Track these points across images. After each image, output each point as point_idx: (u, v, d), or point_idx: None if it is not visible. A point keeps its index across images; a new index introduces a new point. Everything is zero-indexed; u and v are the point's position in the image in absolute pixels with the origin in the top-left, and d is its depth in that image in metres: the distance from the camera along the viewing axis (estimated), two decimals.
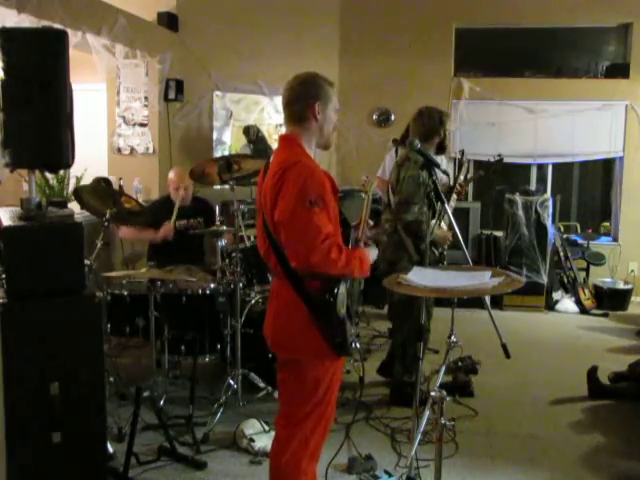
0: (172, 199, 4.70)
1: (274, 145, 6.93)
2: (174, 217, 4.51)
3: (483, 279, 2.47)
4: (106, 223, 3.85)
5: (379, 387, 4.25)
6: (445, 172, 3.47)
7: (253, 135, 6.76)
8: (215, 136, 6.82)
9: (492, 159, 4.80)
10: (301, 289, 2.26)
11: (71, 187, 5.72)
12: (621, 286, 6.68)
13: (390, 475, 3.12)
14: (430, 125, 3.85)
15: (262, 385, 3.99)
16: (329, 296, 2.24)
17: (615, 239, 7.09)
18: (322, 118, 2.37)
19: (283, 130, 2.56)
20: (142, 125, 6.44)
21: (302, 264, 2.18)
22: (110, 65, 5.98)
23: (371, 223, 2.78)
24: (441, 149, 3.99)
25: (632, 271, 6.98)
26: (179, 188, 4.65)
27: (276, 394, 3.86)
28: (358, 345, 2.51)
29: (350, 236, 2.51)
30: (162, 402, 3.83)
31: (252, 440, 3.37)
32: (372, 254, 2.43)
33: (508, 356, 2.49)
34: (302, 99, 2.36)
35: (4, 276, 2.38)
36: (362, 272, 2.33)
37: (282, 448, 2.38)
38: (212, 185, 4.71)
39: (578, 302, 6.54)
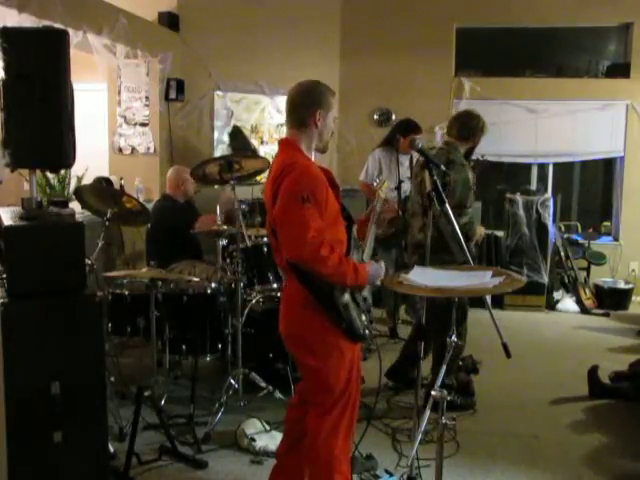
0: (175, 199, 4.84)
1: (270, 147, 6.95)
2: None
3: (484, 279, 2.47)
4: (107, 223, 3.86)
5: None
6: (446, 172, 3.47)
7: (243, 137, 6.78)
8: (216, 136, 6.82)
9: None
10: (305, 280, 2.37)
11: (72, 187, 5.73)
12: (622, 286, 6.68)
13: (391, 475, 3.12)
14: (471, 127, 3.90)
15: (263, 384, 3.98)
16: (325, 283, 2.35)
17: (616, 239, 7.09)
18: (322, 125, 2.47)
19: (284, 130, 2.60)
20: (143, 125, 6.44)
21: (293, 256, 2.30)
22: (111, 65, 5.99)
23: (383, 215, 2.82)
24: (467, 156, 4.00)
25: (633, 271, 6.98)
26: (179, 185, 4.79)
27: (277, 393, 3.90)
28: (369, 331, 2.53)
29: (352, 229, 2.57)
30: (163, 402, 3.82)
31: (253, 440, 3.37)
32: (374, 269, 2.48)
33: (509, 356, 2.49)
34: (305, 105, 2.45)
35: (5, 276, 2.38)
36: (357, 281, 2.38)
37: (313, 438, 2.46)
38: (213, 185, 4.71)
39: (579, 302, 6.54)
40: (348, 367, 2.46)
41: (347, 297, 2.39)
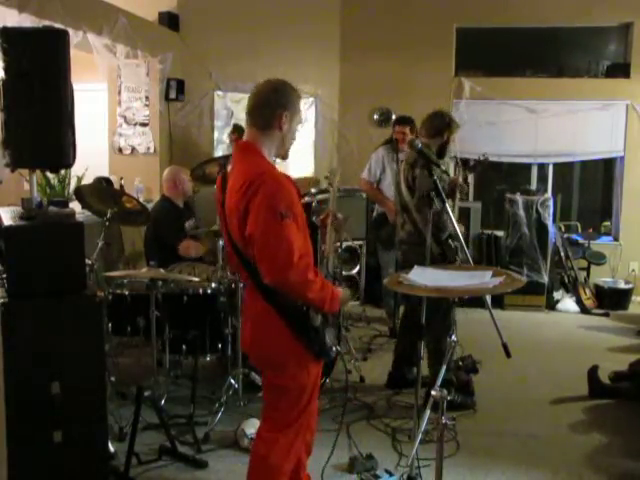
0: (174, 202, 4.78)
1: None
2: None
3: (484, 279, 2.48)
4: (107, 223, 3.86)
5: (380, 387, 4.27)
6: (445, 172, 3.49)
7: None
8: (216, 136, 6.83)
9: (481, 157, 4.79)
10: (274, 301, 2.24)
11: (72, 187, 5.72)
12: (622, 286, 6.68)
13: (391, 474, 3.12)
14: (437, 124, 4.01)
15: None
16: (302, 304, 2.23)
17: (616, 239, 7.09)
18: (287, 129, 2.31)
19: None
20: (143, 125, 6.44)
21: (279, 280, 2.15)
22: (111, 65, 5.99)
23: (340, 216, 2.77)
24: (440, 153, 4.01)
25: (633, 270, 6.98)
26: (176, 185, 4.74)
27: None
28: (338, 349, 2.48)
29: (318, 237, 2.52)
30: (163, 401, 3.82)
31: (253, 439, 3.37)
32: (344, 294, 2.40)
33: (509, 355, 2.50)
34: (270, 106, 2.28)
35: (5, 276, 2.38)
36: (331, 307, 2.29)
37: (266, 451, 2.41)
38: (213, 185, 4.72)
39: (579, 302, 6.54)
40: (311, 388, 2.40)
41: (320, 319, 2.27)
